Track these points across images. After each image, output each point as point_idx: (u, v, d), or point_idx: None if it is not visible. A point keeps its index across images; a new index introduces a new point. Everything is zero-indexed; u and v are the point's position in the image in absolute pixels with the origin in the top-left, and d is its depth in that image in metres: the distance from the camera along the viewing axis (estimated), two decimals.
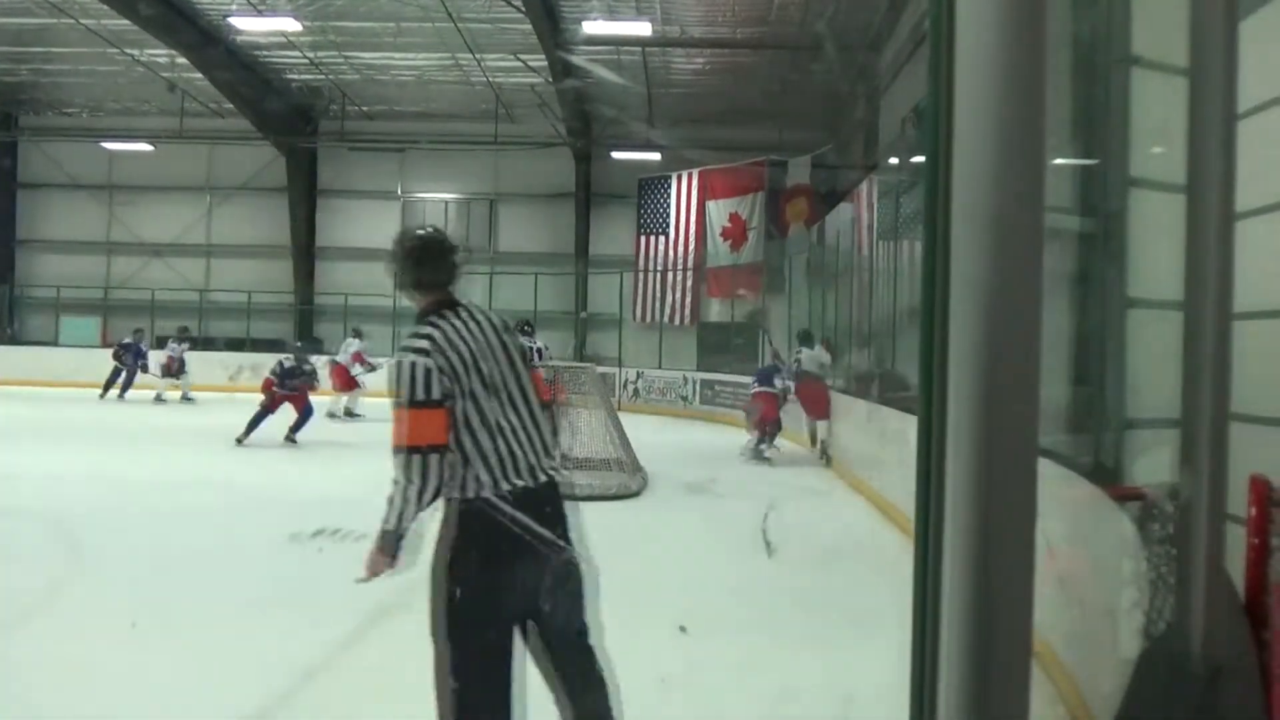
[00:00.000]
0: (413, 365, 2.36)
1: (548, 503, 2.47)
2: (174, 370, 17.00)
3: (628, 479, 8.37)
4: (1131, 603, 2.06)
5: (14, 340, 22.66)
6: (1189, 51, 1.75)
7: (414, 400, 2.35)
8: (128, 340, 17.44)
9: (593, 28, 15.99)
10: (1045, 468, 2.78)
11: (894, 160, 9.94)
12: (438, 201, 23.20)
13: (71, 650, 3.93)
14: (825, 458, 10.58)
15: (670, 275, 20.80)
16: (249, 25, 16.68)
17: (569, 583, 2.47)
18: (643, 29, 16.16)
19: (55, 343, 22.43)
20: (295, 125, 22.00)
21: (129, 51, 18.48)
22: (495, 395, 2.46)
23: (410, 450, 2.33)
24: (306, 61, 19.39)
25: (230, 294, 22.68)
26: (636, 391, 18.63)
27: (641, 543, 6.37)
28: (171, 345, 17.23)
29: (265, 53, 19.16)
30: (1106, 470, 3.27)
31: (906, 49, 14.15)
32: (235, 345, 21.34)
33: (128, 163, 23.15)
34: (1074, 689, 3.11)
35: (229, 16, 16.20)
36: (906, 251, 8.38)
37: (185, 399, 16.95)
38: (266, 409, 10.80)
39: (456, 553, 2.39)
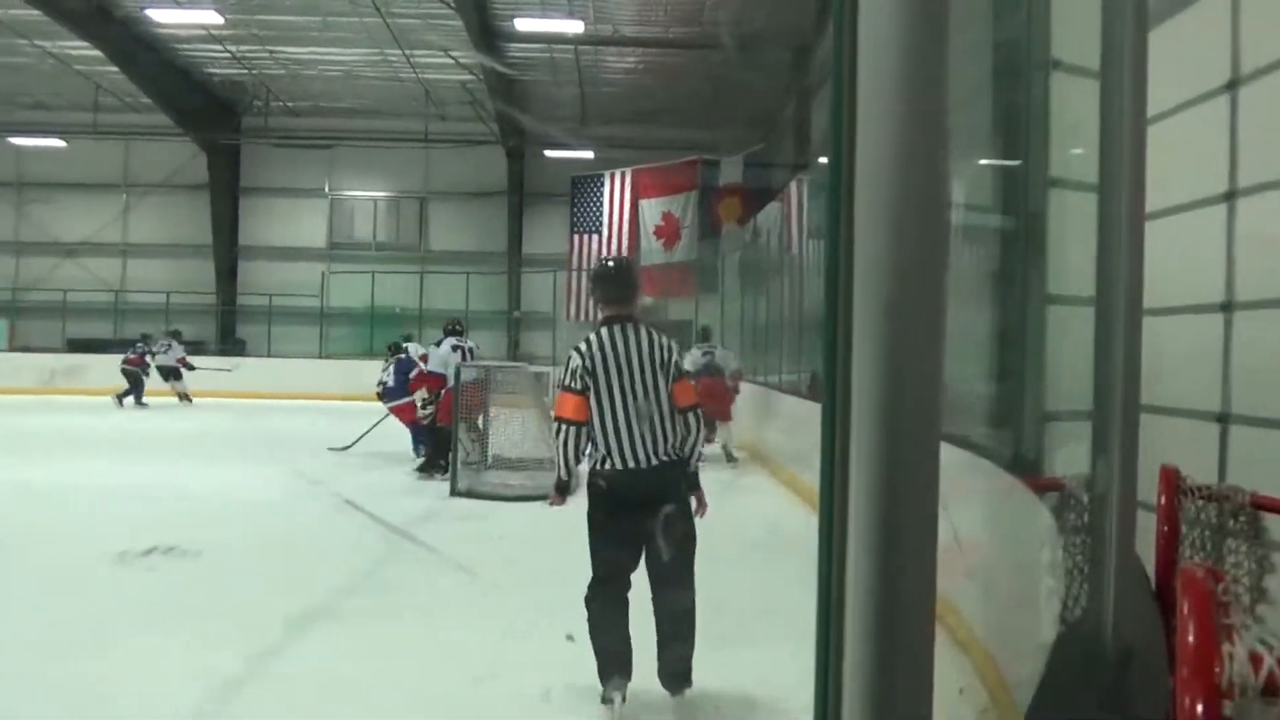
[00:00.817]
0: (569, 360, 3.46)
1: (656, 476, 3.38)
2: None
3: None
4: (1049, 590, 2.12)
5: None
6: (1101, 57, 1.81)
7: (564, 386, 3.43)
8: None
9: (525, 25, 15.88)
10: (968, 460, 2.86)
11: (823, 160, 10.10)
12: (367, 200, 22.81)
13: None
14: (732, 459, 10.61)
15: None
16: (168, 18, 16.15)
17: (671, 532, 3.33)
18: (575, 27, 16.12)
19: None
20: (217, 121, 21.39)
21: (40, 43, 17.72)
22: (624, 396, 3.38)
23: (557, 420, 3.42)
24: (229, 56, 18.86)
25: (148, 295, 21.91)
26: None
27: (565, 543, 6.33)
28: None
29: (186, 46, 18.58)
30: (1027, 462, 3.37)
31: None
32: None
33: (38, 159, 22.20)
34: (995, 673, 3.20)
35: (147, 8, 15.68)
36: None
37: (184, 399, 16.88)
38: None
39: (590, 502, 3.45)
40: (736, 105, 19.83)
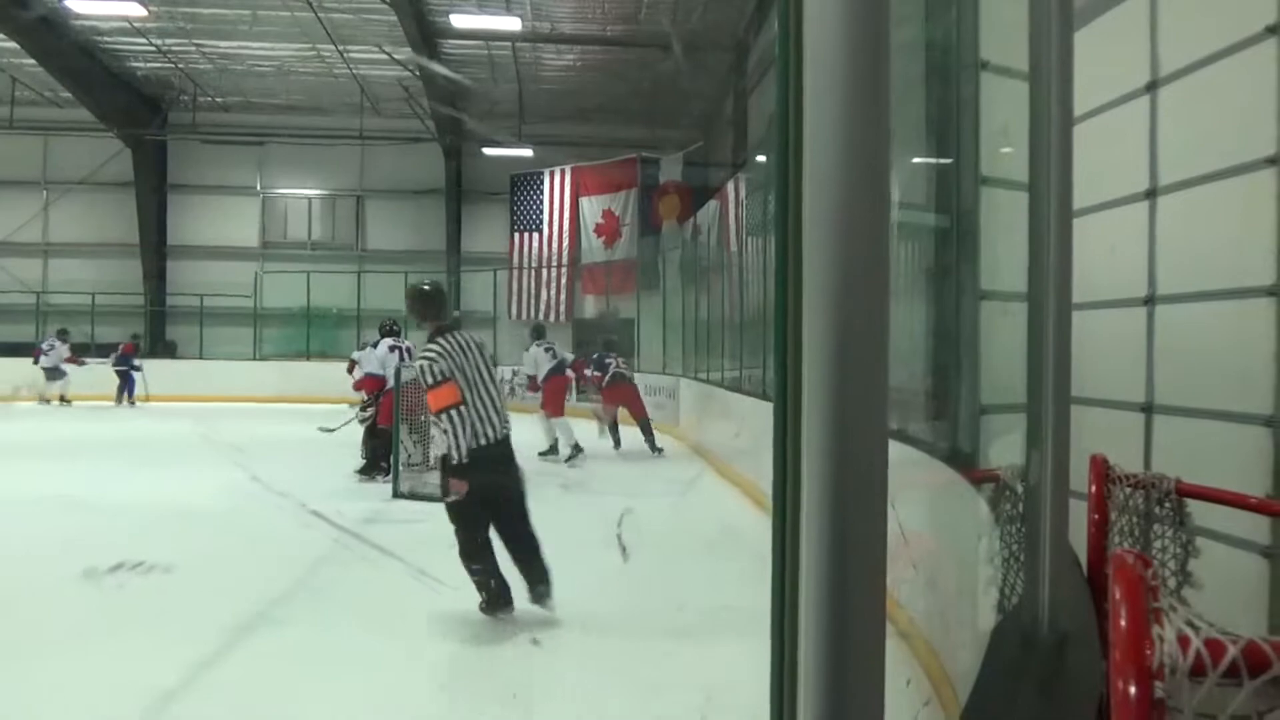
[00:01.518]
0: (431, 364, 4.25)
1: (507, 445, 4.43)
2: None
3: None
4: (987, 579, 2.18)
5: None
6: (1030, 58, 1.85)
7: (437, 382, 4.22)
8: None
9: (461, 21, 15.72)
10: (908, 454, 2.92)
11: (761, 158, 10.19)
12: (300, 198, 22.35)
13: None
14: (658, 450, 11.02)
15: (545, 272, 20.70)
16: (88, 8, 15.59)
17: (516, 486, 4.48)
18: (512, 24, 16.01)
19: None
20: (142, 116, 20.74)
21: None
22: (479, 384, 4.34)
23: (443, 410, 4.18)
24: (153, 49, 18.30)
25: (72, 295, 21.15)
26: (513, 390, 18.45)
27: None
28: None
29: (107, 39, 17.98)
30: (963, 454, 3.44)
31: (773, 48, 14.53)
32: (79, 350, 19.96)
33: None
34: (937, 664, 3.27)
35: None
36: (770, 248, 8.61)
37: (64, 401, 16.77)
38: None
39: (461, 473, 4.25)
40: (675, 104, 19.92)
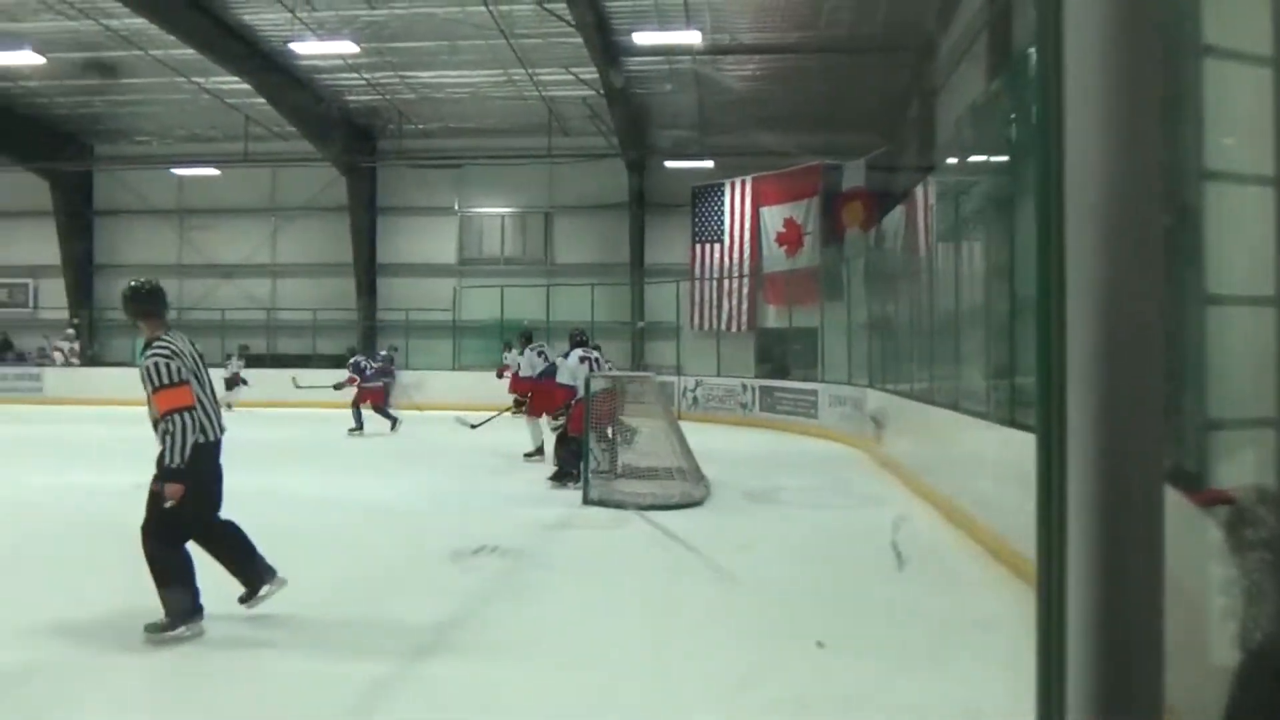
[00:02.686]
0: (166, 362, 4.11)
1: (218, 450, 4.33)
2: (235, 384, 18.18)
3: (690, 488, 8.36)
4: (1222, 610, 2.00)
5: (95, 361, 23.52)
6: (1274, 41, 1.70)
7: (173, 382, 4.08)
8: None
9: (643, 39, 16.06)
10: None
11: (952, 160, 9.78)
12: (495, 216, 23.50)
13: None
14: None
15: (726, 283, 20.74)
16: (309, 49, 17.12)
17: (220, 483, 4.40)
18: (693, 38, 16.18)
19: (132, 363, 23.21)
20: (355, 145, 22.49)
21: (196, 80, 19.10)
22: (203, 384, 4.29)
23: (181, 410, 4.05)
24: (364, 83, 19.83)
25: (297, 312, 23.25)
26: (695, 400, 18.61)
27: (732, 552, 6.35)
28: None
29: (325, 76, 19.65)
30: (1187, 474, 3.17)
31: (961, 47, 13.95)
32: (301, 362, 21.85)
33: (197, 187, 23.92)
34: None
35: (290, 42, 16.65)
36: (966, 253, 8.24)
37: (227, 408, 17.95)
38: None
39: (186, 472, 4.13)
40: (858, 108, 19.48)
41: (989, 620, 4.69)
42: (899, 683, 3.83)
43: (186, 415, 4.05)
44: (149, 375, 4.11)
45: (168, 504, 4.08)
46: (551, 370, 11.17)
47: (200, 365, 4.30)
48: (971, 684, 3.75)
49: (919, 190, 10.48)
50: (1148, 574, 0.55)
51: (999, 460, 6.01)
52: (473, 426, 11.61)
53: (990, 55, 12.06)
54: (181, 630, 4.10)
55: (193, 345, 4.35)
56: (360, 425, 14.27)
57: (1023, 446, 5.37)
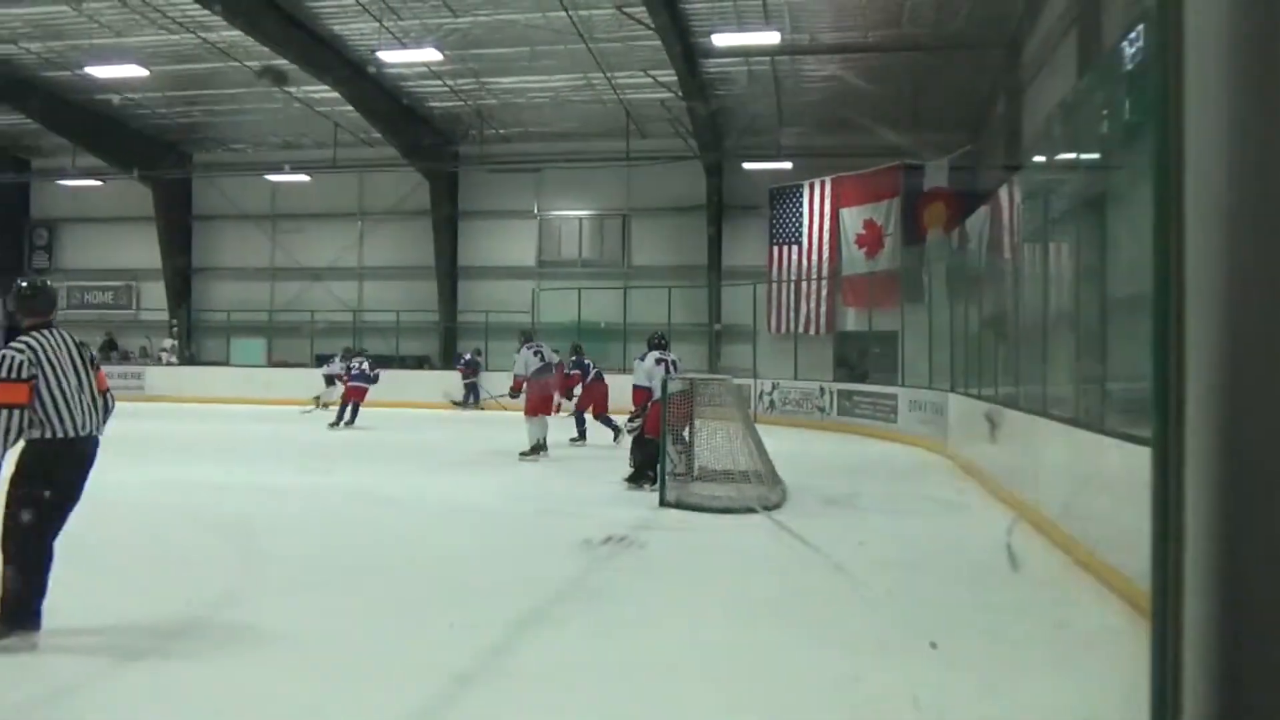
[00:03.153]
0: (11, 358, 4.05)
1: (92, 443, 4.27)
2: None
3: (767, 491, 8.32)
4: None
5: (192, 361, 24.57)
6: None
7: (7, 379, 4.02)
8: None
9: (722, 40, 16.04)
10: None
11: (1039, 159, 9.51)
12: (573, 219, 23.73)
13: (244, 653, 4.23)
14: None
15: (804, 285, 20.55)
16: (394, 58, 17.59)
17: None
18: (772, 38, 16.09)
19: (227, 362, 24.20)
20: (438, 151, 22.99)
21: (288, 89, 19.79)
22: (61, 380, 4.14)
23: (4, 406, 3.98)
24: (447, 89, 20.25)
25: (382, 314, 23.89)
26: (772, 403, 18.48)
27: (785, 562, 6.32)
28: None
29: (410, 83, 20.14)
30: None
31: (1048, 43, 13.56)
32: (384, 362, 22.40)
33: (288, 193, 24.77)
34: None
35: (376, 51, 17.13)
36: (1054, 254, 8.02)
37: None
38: None
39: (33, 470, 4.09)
40: (941, 107, 19.09)
41: (1086, 634, 4.57)
42: (992, 693, 3.77)
43: (14, 413, 3.98)
44: None
45: None
46: (547, 369, 11.51)
47: (78, 364, 4.23)
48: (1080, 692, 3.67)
49: (1004, 190, 10.23)
50: (1273, 596, 0.54)
51: (1090, 469, 5.84)
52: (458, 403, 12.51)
53: (1080, 51, 11.69)
54: (12, 639, 3.99)
55: (75, 344, 4.30)
56: (345, 420, 15.45)
57: (1114, 454, 5.20)
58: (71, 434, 4.14)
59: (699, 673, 4.01)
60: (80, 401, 4.20)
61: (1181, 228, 0.61)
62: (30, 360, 4.07)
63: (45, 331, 4.22)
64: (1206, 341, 0.57)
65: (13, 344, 4.15)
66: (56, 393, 4.11)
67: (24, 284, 4.42)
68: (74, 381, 4.18)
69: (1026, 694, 3.78)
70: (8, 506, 4.08)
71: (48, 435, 4.09)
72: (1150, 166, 0.67)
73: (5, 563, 4.05)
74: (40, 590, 4.09)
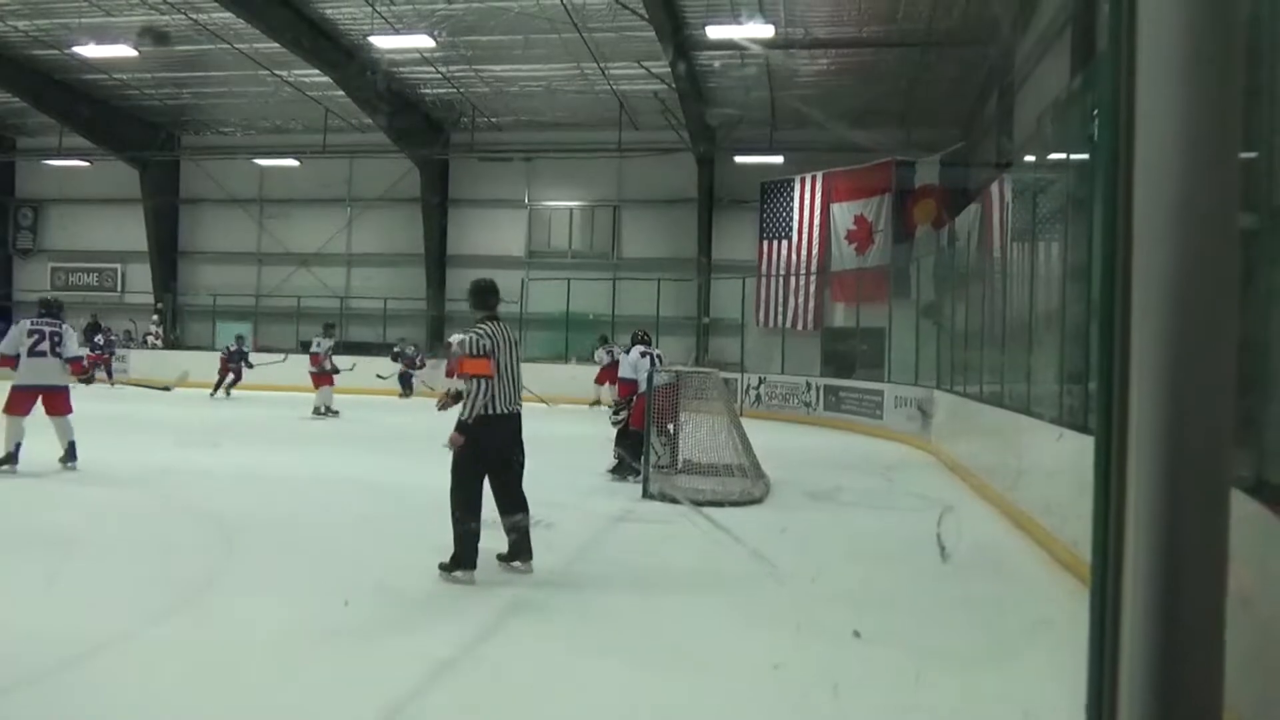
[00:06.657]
0: (477, 339, 5.03)
1: (516, 421, 5.17)
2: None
3: (750, 485, 8.32)
4: None
5: (177, 345, 24.40)
6: None
7: (475, 353, 5.00)
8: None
9: (716, 32, 15.99)
10: None
11: (1030, 158, 9.52)
12: (563, 209, 23.66)
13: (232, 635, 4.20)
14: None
15: (793, 280, 20.55)
16: (387, 44, 17.46)
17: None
18: (766, 32, 16.05)
19: (212, 347, 24.03)
20: (428, 138, 22.87)
21: (278, 73, 19.63)
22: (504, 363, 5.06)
23: (473, 377, 4.96)
24: (439, 76, 20.14)
25: (369, 301, 23.78)
26: (759, 397, 18.50)
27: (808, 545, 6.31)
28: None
29: (402, 69, 20.01)
30: (1270, 486, 3.05)
31: (1042, 42, 13.57)
32: (371, 349, 22.33)
33: (277, 177, 24.61)
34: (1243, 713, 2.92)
35: (369, 36, 17.00)
36: (1043, 253, 8.03)
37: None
38: None
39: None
40: (933, 104, 19.11)
41: (1050, 624, 4.58)
42: (948, 682, 3.78)
43: (482, 382, 4.93)
44: (459, 348, 5.13)
45: (445, 445, 5.09)
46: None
47: (512, 352, 5.10)
48: (1027, 684, 3.68)
49: (995, 188, 10.24)
50: (1208, 582, 0.53)
51: (1071, 466, 5.85)
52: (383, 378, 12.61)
53: (1073, 51, 11.70)
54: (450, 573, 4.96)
55: (513, 339, 5.17)
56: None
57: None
58: (505, 410, 5.02)
59: (617, 655, 3.99)
60: (514, 382, 5.10)
61: (1130, 226, 0.60)
62: (488, 346, 5.00)
63: (496, 323, 5.15)
64: (1150, 336, 0.56)
65: (477, 329, 5.09)
66: (505, 373, 5.01)
67: (483, 281, 5.37)
68: (514, 366, 5.11)
69: (969, 683, 3.77)
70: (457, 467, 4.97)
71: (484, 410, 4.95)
72: (1100, 166, 0.66)
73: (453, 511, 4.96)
74: (474, 535, 4.96)
